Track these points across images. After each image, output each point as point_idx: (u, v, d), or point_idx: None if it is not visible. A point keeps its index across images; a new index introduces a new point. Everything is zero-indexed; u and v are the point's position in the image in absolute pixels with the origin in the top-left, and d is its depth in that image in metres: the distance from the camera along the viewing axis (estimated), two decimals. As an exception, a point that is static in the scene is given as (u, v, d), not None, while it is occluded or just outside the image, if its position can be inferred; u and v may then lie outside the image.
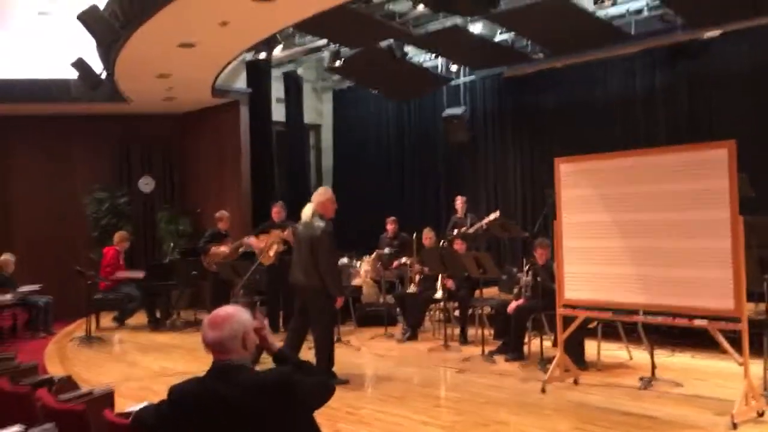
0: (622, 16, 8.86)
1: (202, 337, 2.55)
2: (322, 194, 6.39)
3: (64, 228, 11.92)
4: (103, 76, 9.27)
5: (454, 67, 11.06)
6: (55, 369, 7.11)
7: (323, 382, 2.68)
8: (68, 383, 4.46)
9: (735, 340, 5.15)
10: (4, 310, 9.46)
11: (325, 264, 6.10)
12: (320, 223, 6.16)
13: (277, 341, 2.85)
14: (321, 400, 2.63)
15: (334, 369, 6.28)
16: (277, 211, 8.99)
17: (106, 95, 10.57)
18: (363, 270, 10.17)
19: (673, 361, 6.68)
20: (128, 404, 4.29)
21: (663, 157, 5.31)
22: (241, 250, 9.25)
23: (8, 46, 9.96)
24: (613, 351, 7.05)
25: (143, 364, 7.60)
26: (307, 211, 6.33)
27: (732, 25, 8.33)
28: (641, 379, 5.88)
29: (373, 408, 5.49)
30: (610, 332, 7.06)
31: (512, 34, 9.68)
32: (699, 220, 4.98)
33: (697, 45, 8.91)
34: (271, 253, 8.44)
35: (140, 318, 10.13)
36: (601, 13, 8.54)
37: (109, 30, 7.26)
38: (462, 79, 11.43)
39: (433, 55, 10.80)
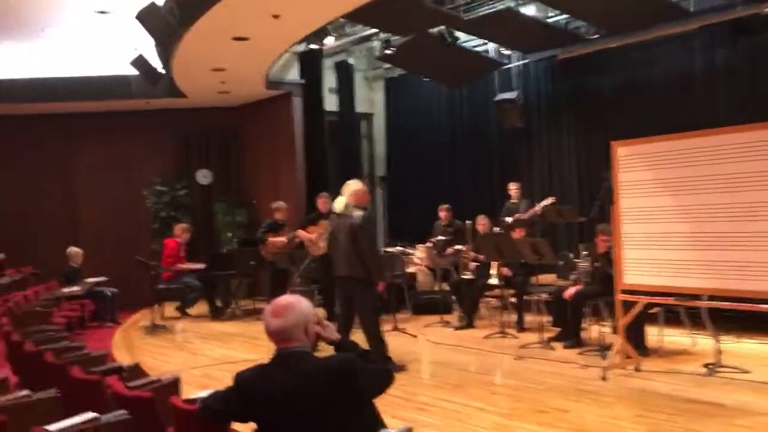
0: (680, -8, 8.59)
1: (264, 326, 2.61)
2: (353, 185, 6.42)
3: (127, 220, 12.31)
4: (162, 72, 9.51)
5: (505, 51, 10.91)
6: (122, 357, 7.37)
7: (385, 370, 2.71)
8: (136, 371, 4.61)
9: (805, 325, 5.00)
10: (73, 302, 9.84)
11: (368, 249, 6.18)
12: (358, 212, 6.22)
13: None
14: (382, 387, 2.66)
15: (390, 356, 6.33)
16: (323, 202, 9.07)
17: (165, 90, 10.86)
18: (417, 258, 10.19)
19: (739, 347, 6.51)
20: (192, 391, 4.42)
21: (725, 137, 5.14)
22: (297, 240, 9.38)
23: (70, 45, 10.29)
24: (676, 337, 6.91)
25: (205, 352, 7.81)
26: (340, 203, 6.40)
27: (797, -3, 7.98)
28: (706, 365, 5.74)
29: (431, 395, 5.51)
30: (672, 318, 6.92)
31: (565, 15, 9.49)
32: (764, 202, 4.82)
33: (760, 20, 8.55)
34: (321, 243, 8.53)
35: (201, 307, 10.39)
36: (658, -10, 8.29)
37: (166, 27, 7.43)
38: (514, 63, 11.26)
39: (485, 39, 10.67)
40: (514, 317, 8.13)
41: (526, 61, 11.14)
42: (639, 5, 8.07)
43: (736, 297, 5.09)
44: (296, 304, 2.61)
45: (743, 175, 4.93)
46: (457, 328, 8.26)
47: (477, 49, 10.91)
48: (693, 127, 8.20)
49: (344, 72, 12.55)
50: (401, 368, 6.28)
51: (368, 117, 13.93)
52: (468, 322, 8.31)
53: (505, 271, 8.08)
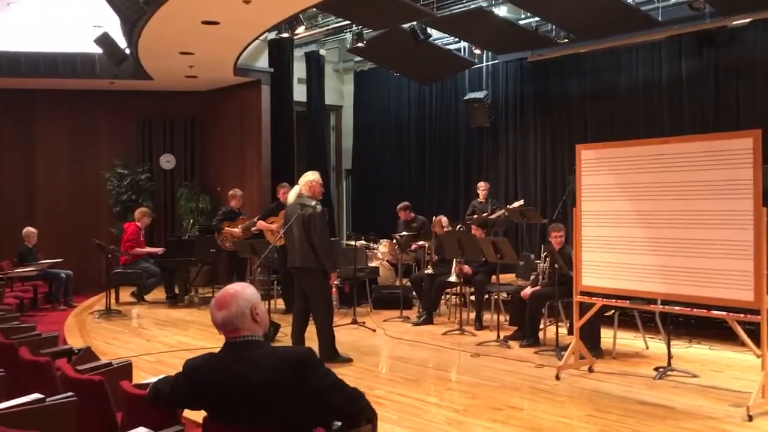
0: (649, 1, 8.73)
1: (211, 318, 2.55)
2: (309, 175, 6.43)
3: (87, 202, 12.08)
4: (127, 52, 9.32)
5: (477, 51, 10.97)
6: (74, 341, 7.21)
7: (359, 396, 2.56)
8: (87, 354, 4.52)
9: (753, 332, 5.11)
10: (26, 282, 9.62)
11: (319, 240, 6.17)
12: (311, 203, 6.21)
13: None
14: (344, 402, 2.50)
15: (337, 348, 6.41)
16: (283, 193, 8.98)
17: (130, 72, 10.65)
18: (380, 252, 10.19)
19: (689, 352, 6.64)
20: (146, 377, 4.36)
21: (686, 145, 5.23)
22: (253, 229, 9.29)
23: (34, 20, 10.03)
24: (629, 340, 7.03)
25: (160, 338, 7.70)
26: (294, 194, 6.39)
27: (761, 14, 8.17)
28: (657, 368, 5.85)
29: (387, 389, 5.51)
30: (626, 321, 7.04)
31: (537, 18, 9.58)
32: (721, 211, 4.91)
33: (725, 33, 8.75)
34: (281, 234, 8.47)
35: (158, 293, 10.24)
36: (629, -2, 8.42)
37: (133, 5, 7.27)
38: (485, 63, 11.34)
39: (456, 38, 10.72)
40: (473, 315, 8.19)
41: (496, 61, 11.24)
42: (609, 13, 8.18)
43: (688, 302, 5.20)
44: (240, 292, 2.54)
45: (703, 183, 5.02)
46: (416, 324, 8.28)
47: (449, 47, 10.95)
48: (656, 134, 8.39)
49: (314, 63, 12.49)
50: (348, 360, 6.33)
51: (337, 109, 13.91)
52: (427, 318, 8.34)
53: (466, 269, 8.11)
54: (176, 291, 10.12)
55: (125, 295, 10.12)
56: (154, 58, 9.92)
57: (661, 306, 5.46)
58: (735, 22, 8.45)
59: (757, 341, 4.89)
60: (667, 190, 5.24)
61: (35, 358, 3.80)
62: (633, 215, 5.47)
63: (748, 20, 8.35)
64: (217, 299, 2.55)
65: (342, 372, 5.63)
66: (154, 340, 7.58)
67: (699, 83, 9.06)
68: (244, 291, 2.55)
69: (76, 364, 3.95)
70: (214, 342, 6.80)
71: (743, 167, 4.77)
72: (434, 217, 9.07)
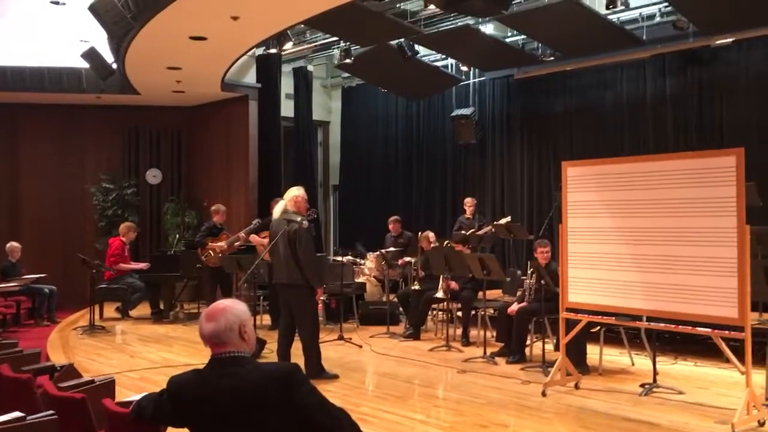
0: (634, 20, 8.84)
1: (199, 331, 2.55)
2: (294, 191, 6.46)
3: (72, 217, 11.98)
4: (114, 67, 9.31)
5: (464, 68, 11.05)
6: (57, 357, 7.14)
7: (341, 416, 2.51)
8: (70, 371, 4.46)
9: (738, 349, 5.14)
10: (9, 298, 9.51)
11: (304, 256, 6.17)
12: (296, 218, 6.23)
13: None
14: (326, 418, 2.47)
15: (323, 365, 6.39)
16: None
17: (116, 86, 10.62)
18: (367, 268, 10.17)
19: (675, 369, 6.66)
20: (129, 394, 4.31)
21: (671, 163, 5.28)
22: (237, 244, 9.24)
23: (20, 34, 10.00)
24: (615, 356, 7.04)
25: (144, 354, 7.62)
26: (279, 209, 6.40)
27: (744, 33, 8.29)
28: (643, 385, 5.86)
29: (373, 406, 5.49)
30: (612, 338, 7.06)
31: (523, 36, 9.67)
32: (705, 228, 4.95)
33: (709, 52, 8.88)
34: None
35: (143, 309, 10.15)
36: (614, 17, 8.52)
37: (120, 21, 7.28)
38: (472, 80, 11.41)
39: (444, 55, 10.79)
40: (459, 331, 8.18)
41: (483, 78, 11.31)
42: (594, 31, 8.27)
43: (674, 319, 5.22)
44: (230, 307, 2.54)
45: (687, 200, 5.06)
46: (402, 340, 8.25)
47: (436, 64, 11.02)
48: (641, 152, 8.47)
49: (302, 78, 12.52)
50: (334, 376, 6.31)
51: (324, 125, 13.93)
52: (414, 334, 8.32)
53: (453, 284, 8.12)
54: (161, 307, 10.04)
55: (109, 310, 10.02)
56: (142, 73, 9.91)
57: (647, 323, 5.49)
58: (718, 42, 8.56)
59: (741, 358, 4.91)
60: (652, 207, 5.28)
61: (16, 376, 3.75)
62: (618, 232, 5.50)
63: (731, 39, 8.47)
64: (206, 312, 2.56)
65: (328, 389, 5.61)
66: (138, 357, 7.51)
67: (683, 101, 9.16)
68: (234, 306, 2.55)
69: (58, 382, 3.90)
70: (199, 358, 6.74)
71: (727, 185, 4.82)
72: (420, 233, 9.09)
